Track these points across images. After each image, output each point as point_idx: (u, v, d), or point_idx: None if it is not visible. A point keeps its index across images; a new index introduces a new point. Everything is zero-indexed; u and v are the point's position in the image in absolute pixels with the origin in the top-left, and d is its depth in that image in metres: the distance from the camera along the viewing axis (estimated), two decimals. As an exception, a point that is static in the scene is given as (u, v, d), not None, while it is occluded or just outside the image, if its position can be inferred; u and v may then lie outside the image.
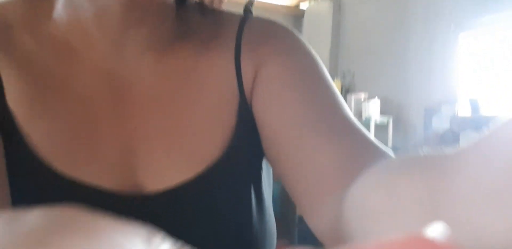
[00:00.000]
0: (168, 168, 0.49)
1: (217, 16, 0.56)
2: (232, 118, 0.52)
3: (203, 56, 0.54)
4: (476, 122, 2.96)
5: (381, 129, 3.50)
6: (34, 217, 0.20)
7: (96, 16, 0.48)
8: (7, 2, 0.52)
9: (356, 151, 0.45)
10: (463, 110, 3.12)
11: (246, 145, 0.52)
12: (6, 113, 0.47)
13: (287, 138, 0.48)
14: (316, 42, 4.25)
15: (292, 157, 0.48)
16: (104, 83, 0.50)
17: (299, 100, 0.50)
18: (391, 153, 0.45)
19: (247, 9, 0.61)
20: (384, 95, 3.60)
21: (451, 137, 3.12)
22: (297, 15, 4.45)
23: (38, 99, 0.48)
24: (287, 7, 4.40)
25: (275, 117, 0.50)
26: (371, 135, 0.48)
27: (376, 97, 3.47)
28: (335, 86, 0.55)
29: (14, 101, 0.48)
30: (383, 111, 3.50)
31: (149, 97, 0.51)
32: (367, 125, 3.42)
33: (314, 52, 0.58)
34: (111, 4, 0.46)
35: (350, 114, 0.50)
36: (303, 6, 4.42)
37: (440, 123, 3.18)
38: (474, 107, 3.02)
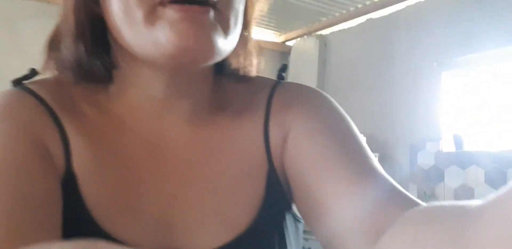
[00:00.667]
0: (203, 235, 0.54)
1: (250, 83, 0.61)
2: (261, 185, 0.57)
3: (236, 125, 0.59)
4: (460, 158, 2.99)
5: (367, 164, 3.51)
6: None
7: (142, 91, 0.55)
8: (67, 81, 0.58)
9: (385, 200, 0.48)
10: (448, 146, 3.15)
11: (274, 209, 0.56)
12: (70, 175, 0.53)
13: (321, 193, 0.51)
14: (302, 78, 4.32)
15: (326, 209, 0.51)
16: (148, 151, 0.56)
17: (329, 155, 0.54)
18: (416, 199, 0.49)
19: (279, 74, 0.67)
20: (370, 132, 3.63)
21: (436, 173, 3.13)
22: (283, 51, 4.54)
23: (96, 164, 0.54)
24: (275, 44, 4.49)
25: (307, 174, 0.54)
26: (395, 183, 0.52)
27: (362, 135, 3.49)
28: (361, 138, 0.61)
29: (78, 166, 0.53)
30: (369, 149, 3.52)
31: (185, 164, 0.56)
32: (353, 160, 3.43)
33: (340, 107, 0.63)
34: (155, 81, 0.54)
35: (377, 163, 0.55)
36: (290, 42, 4.52)
37: (425, 160, 3.20)
38: (458, 143, 3.06)
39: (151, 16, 0.48)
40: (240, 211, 0.55)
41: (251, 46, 0.60)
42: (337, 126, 0.59)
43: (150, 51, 0.49)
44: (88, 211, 0.51)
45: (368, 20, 3.87)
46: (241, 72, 0.60)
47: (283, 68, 0.69)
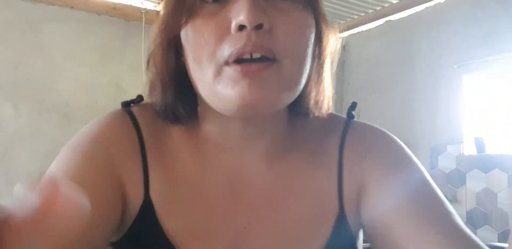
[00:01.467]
0: None
1: (323, 121, 0.65)
2: (328, 228, 0.60)
3: (310, 166, 0.63)
4: (483, 161, 2.94)
5: (386, 167, 3.48)
6: None
7: (223, 133, 0.61)
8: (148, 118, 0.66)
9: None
10: (469, 149, 3.10)
11: None
12: (148, 202, 0.58)
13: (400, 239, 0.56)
14: (321, 81, 4.31)
15: None
16: (225, 185, 0.61)
17: (406, 209, 0.57)
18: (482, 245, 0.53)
19: (350, 112, 0.72)
20: (390, 134, 3.60)
21: (457, 176, 3.08)
22: (302, 54, 4.54)
23: (173, 193, 0.60)
24: (293, 47, 4.49)
25: (394, 231, 0.57)
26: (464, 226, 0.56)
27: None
28: (433, 182, 0.63)
29: (155, 194, 0.59)
30: (388, 150, 3.49)
31: (259, 200, 0.61)
32: (372, 163, 3.40)
33: (410, 154, 0.68)
34: (232, 124, 0.59)
35: (456, 217, 0.58)
36: (308, 46, 4.51)
37: (447, 163, 3.16)
38: (480, 146, 3.01)
39: (218, 75, 0.53)
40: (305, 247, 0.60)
41: (323, 86, 0.63)
42: (413, 178, 0.62)
43: (218, 105, 0.55)
44: (164, 235, 0.57)
45: (387, 22, 3.85)
46: (314, 111, 0.63)
47: (353, 106, 0.72)
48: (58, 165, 0.60)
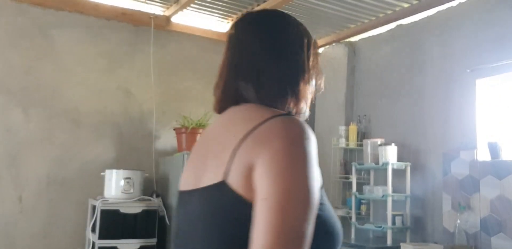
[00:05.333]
0: None
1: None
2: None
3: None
4: (497, 167, 2.87)
5: (398, 174, 3.42)
6: None
7: None
8: None
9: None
10: (483, 155, 3.04)
11: None
12: None
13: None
14: (331, 86, 4.27)
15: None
16: None
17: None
18: None
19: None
20: (401, 140, 3.55)
21: (471, 183, 3.02)
22: (312, 59, 4.51)
23: None
24: (303, 52, 4.46)
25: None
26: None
27: (393, 144, 3.41)
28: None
29: None
30: (400, 157, 3.43)
31: None
32: (384, 170, 3.36)
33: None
34: None
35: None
36: (319, 50, 4.48)
37: (460, 169, 3.10)
38: (494, 151, 2.95)
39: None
40: None
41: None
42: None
43: None
44: None
45: (398, 26, 3.81)
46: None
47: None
48: (311, 175, 0.76)
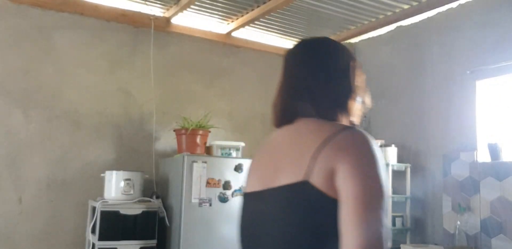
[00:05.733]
0: None
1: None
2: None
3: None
4: (497, 169, 2.87)
5: (398, 175, 3.43)
6: None
7: None
8: None
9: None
10: (483, 157, 3.04)
11: None
12: None
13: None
14: (331, 87, 4.28)
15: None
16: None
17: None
18: None
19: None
20: (401, 142, 3.55)
21: (471, 184, 3.02)
22: (312, 60, 4.51)
23: None
24: (303, 53, 4.46)
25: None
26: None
27: (393, 145, 3.42)
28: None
29: None
30: (400, 158, 3.44)
31: None
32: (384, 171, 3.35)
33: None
34: None
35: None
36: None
37: (460, 171, 3.10)
38: (494, 153, 2.95)
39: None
40: None
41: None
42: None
43: None
44: None
45: (398, 27, 3.81)
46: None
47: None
48: (382, 176, 0.93)
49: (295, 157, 1.01)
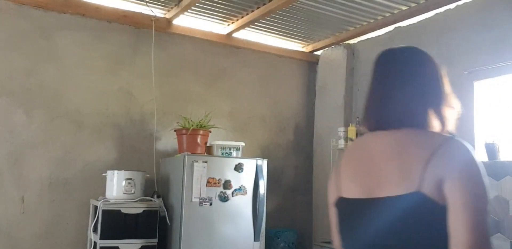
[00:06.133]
0: None
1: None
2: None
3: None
4: (494, 169, 2.90)
5: (397, 174, 3.45)
6: None
7: None
8: None
9: None
10: (481, 156, 3.07)
11: None
12: None
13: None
14: (331, 88, 4.30)
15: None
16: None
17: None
18: None
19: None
20: (399, 140, 3.58)
21: (469, 183, 3.05)
22: (312, 61, 4.55)
23: None
24: (303, 53, 4.50)
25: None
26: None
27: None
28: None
29: None
30: (398, 157, 3.46)
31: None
32: (382, 170, 3.38)
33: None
34: None
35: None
36: (318, 52, 4.52)
37: (457, 170, 3.12)
38: (492, 152, 2.98)
39: None
40: None
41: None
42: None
43: None
44: None
45: (396, 28, 3.84)
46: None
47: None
48: (486, 183, 1.01)
49: (403, 168, 1.07)
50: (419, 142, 1.09)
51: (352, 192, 1.17)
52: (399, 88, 1.16)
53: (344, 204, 1.20)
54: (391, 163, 1.09)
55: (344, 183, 1.20)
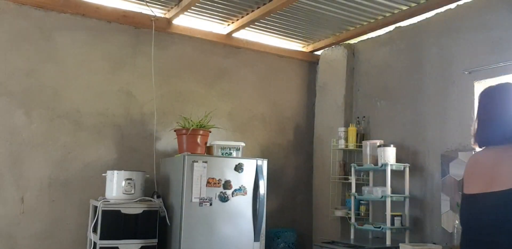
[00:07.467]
0: None
1: None
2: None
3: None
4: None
5: (397, 175, 3.45)
6: None
7: None
8: None
9: None
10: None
11: None
12: None
13: None
14: (331, 88, 4.30)
15: None
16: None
17: None
18: None
19: None
20: (400, 142, 3.58)
21: (469, 184, 3.05)
22: (312, 61, 4.55)
23: None
24: (303, 53, 4.50)
25: None
26: None
27: (392, 145, 3.44)
28: None
29: None
30: (399, 158, 3.46)
31: None
32: (383, 171, 3.38)
33: None
34: None
35: None
36: (318, 52, 4.52)
37: (458, 170, 3.13)
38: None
39: None
40: None
41: None
42: None
43: None
44: None
45: (396, 28, 3.84)
46: None
47: None
48: None
49: (507, 171, 1.61)
50: None
51: (471, 188, 1.72)
52: (500, 115, 1.74)
53: (466, 200, 1.76)
54: (500, 168, 1.64)
55: (466, 184, 1.77)
